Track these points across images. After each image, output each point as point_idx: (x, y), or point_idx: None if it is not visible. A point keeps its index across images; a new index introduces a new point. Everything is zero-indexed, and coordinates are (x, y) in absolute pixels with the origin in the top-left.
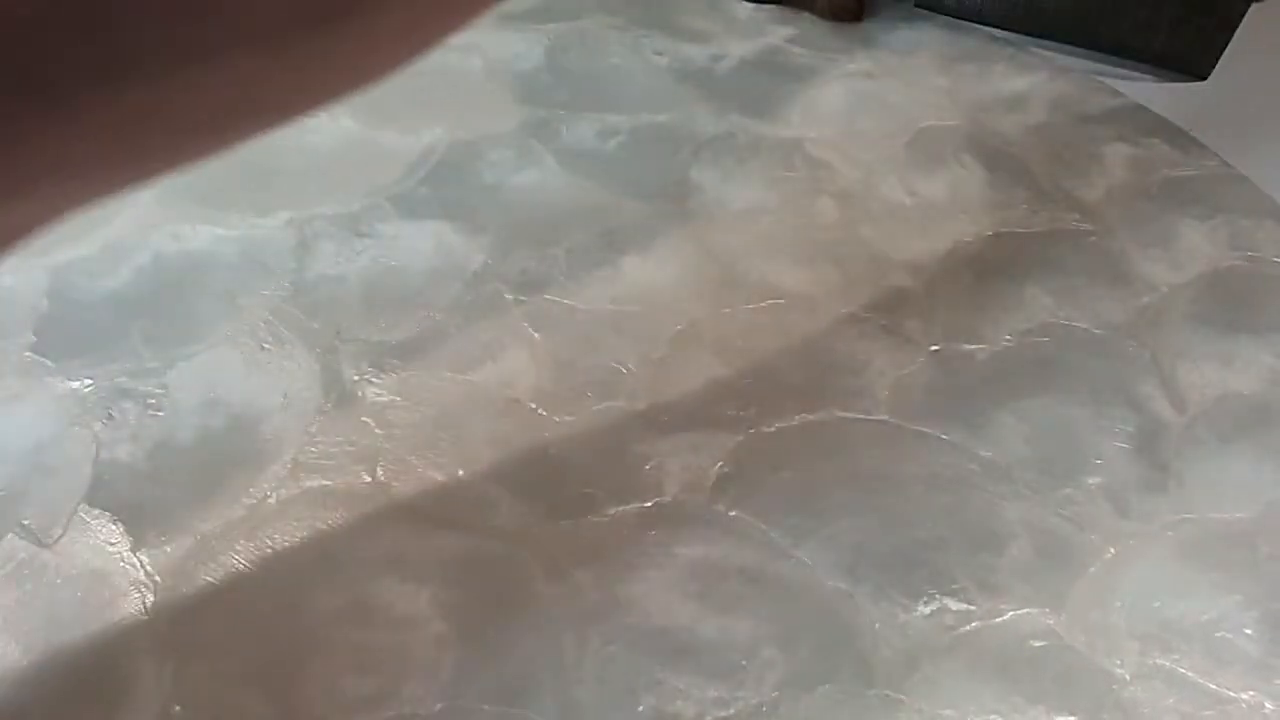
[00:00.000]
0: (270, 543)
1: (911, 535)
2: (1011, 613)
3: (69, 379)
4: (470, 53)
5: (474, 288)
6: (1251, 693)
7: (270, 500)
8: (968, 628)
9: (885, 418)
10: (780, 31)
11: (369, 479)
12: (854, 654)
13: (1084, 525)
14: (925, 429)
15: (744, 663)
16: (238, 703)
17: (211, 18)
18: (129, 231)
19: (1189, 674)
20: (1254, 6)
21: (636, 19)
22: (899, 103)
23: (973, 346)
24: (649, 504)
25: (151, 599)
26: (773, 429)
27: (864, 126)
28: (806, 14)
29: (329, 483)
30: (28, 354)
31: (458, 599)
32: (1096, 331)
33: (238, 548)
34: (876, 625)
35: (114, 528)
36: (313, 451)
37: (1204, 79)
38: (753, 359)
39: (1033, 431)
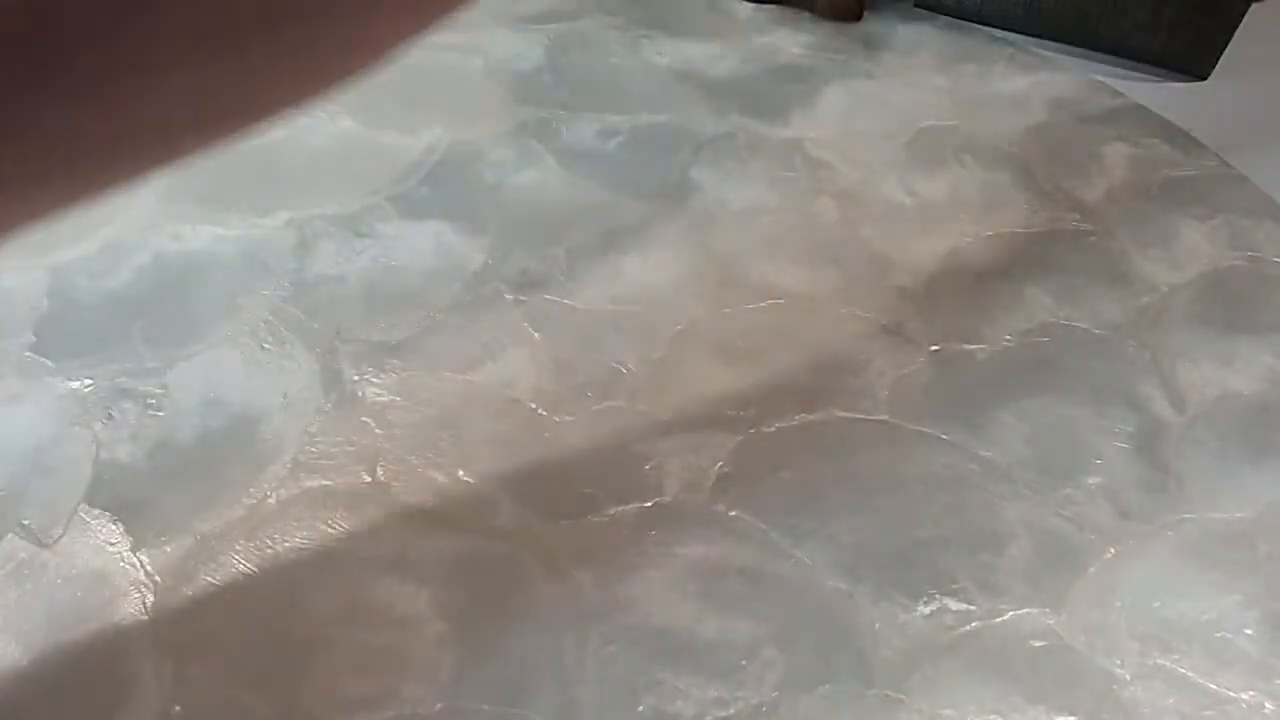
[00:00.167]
0: (270, 543)
1: (911, 535)
2: (1011, 613)
3: (69, 379)
4: (470, 53)
5: (474, 288)
6: (1251, 693)
7: (270, 500)
8: (968, 628)
9: (885, 418)
10: (780, 31)
11: (369, 479)
12: (854, 654)
13: (1084, 525)
14: (925, 429)
15: (744, 663)
16: (238, 703)
17: (153, 32)
18: (129, 231)
19: (1189, 674)
20: (1254, 6)
21: (636, 19)
22: (899, 103)
23: (973, 346)
24: (649, 504)
25: (151, 599)
26: (773, 429)
27: (864, 126)
28: (806, 14)
29: (329, 483)
30: (28, 354)
31: (458, 599)
32: (1096, 331)
33: (238, 548)
34: (876, 625)
35: (114, 528)
36: (313, 451)
37: (1204, 79)
38: (753, 359)
39: (1033, 431)
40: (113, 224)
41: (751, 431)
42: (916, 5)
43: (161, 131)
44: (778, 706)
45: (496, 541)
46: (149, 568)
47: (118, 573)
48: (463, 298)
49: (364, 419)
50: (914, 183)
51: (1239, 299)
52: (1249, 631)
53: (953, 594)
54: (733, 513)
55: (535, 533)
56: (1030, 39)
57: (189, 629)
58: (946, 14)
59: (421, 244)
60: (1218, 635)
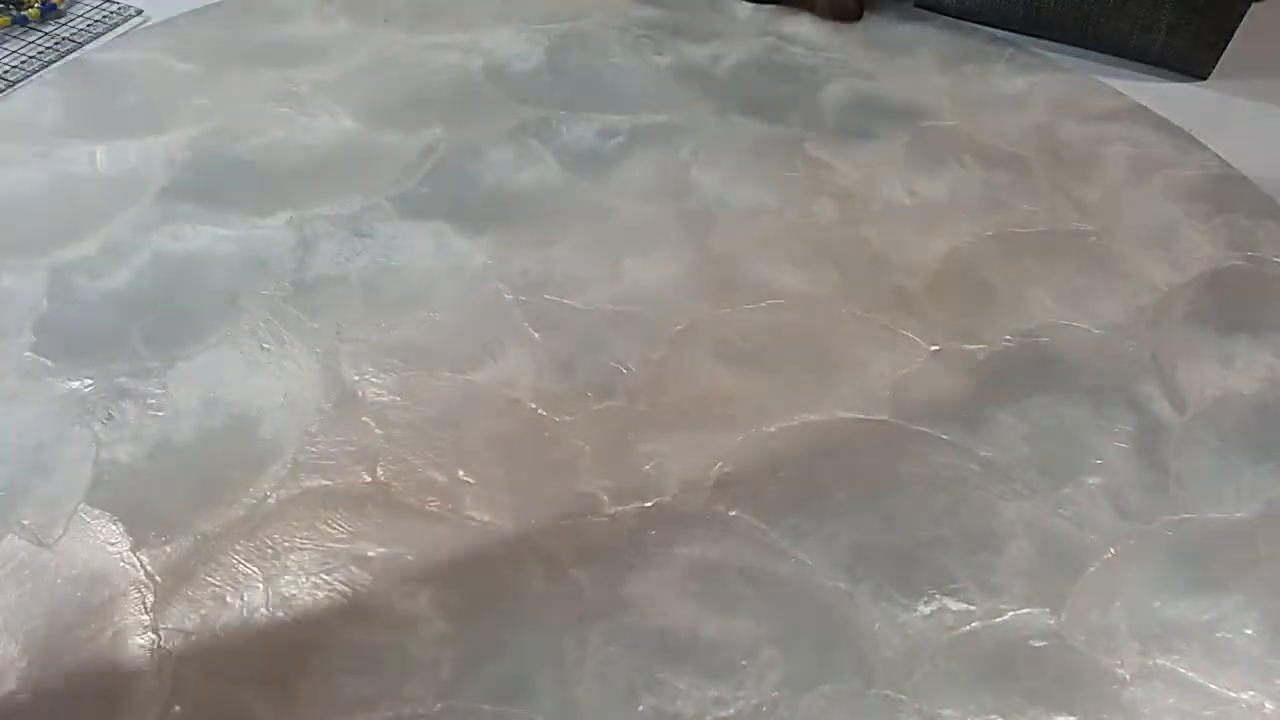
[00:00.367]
0: (270, 543)
1: (911, 535)
2: (1011, 613)
3: (69, 379)
4: (470, 53)
5: (474, 288)
6: (1251, 693)
7: (270, 500)
8: (968, 628)
9: (885, 418)
10: (780, 31)
11: (369, 479)
12: (854, 654)
13: (1084, 525)
14: (925, 429)
15: (744, 663)
16: (237, 702)
17: None
18: (129, 231)
19: (1189, 674)
20: (1254, 6)
21: (636, 19)
22: (899, 103)
23: (973, 346)
24: (649, 504)
25: (151, 599)
26: (773, 429)
27: (864, 126)
28: (806, 14)
29: (329, 483)
30: (28, 354)
31: (458, 599)
32: (1096, 331)
33: (238, 548)
34: (876, 625)
35: (114, 528)
36: (313, 451)
37: (1204, 79)
38: (753, 359)
39: (1033, 431)
40: (113, 224)
41: (751, 431)
42: (916, 5)
43: None
44: (778, 706)
45: (496, 541)
46: (149, 568)
47: (118, 573)
48: (463, 298)
49: (364, 419)
50: (914, 182)
51: (1239, 299)
52: (1249, 631)
53: (953, 594)
54: (733, 513)
55: (535, 533)
56: (1030, 39)
57: (189, 629)
58: (946, 14)
59: (421, 244)
60: (1218, 635)
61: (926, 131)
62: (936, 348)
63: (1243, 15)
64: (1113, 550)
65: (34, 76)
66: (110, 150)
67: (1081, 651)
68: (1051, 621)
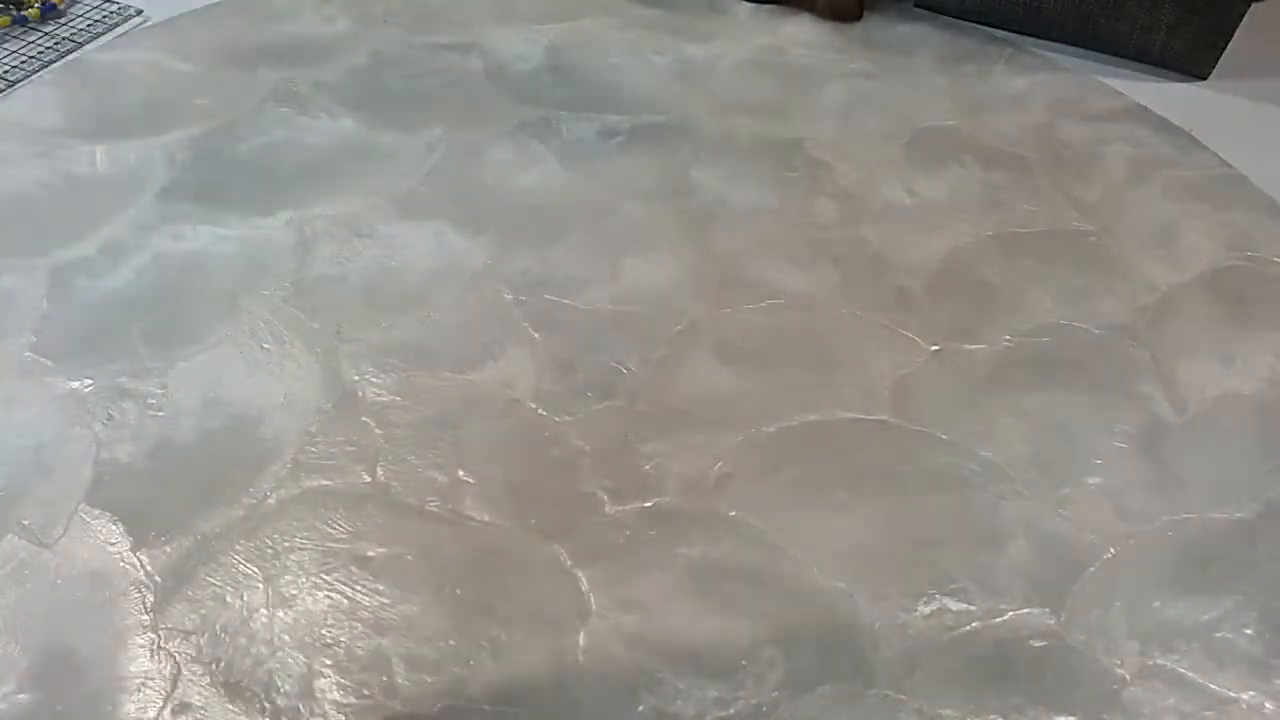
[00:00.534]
0: (270, 543)
1: (911, 535)
2: (1011, 613)
3: (69, 379)
4: (470, 53)
5: (474, 288)
6: (1251, 693)
7: (270, 500)
8: (968, 628)
9: (885, 418)
10: (780, 31)
11: (369, 479)
12: (854, 654)
13: (1084, 525)
14: (925, 429)
15: (744, 663)
16: (237, 703)
17: None
18: (129, 231)
19: (1189, 674)
20: (1254, 6)
21: (636, 19)
22: (899, 103)
23: (973, 346)
24: (649, 504)
25: (151, 599)
26: (773, 429)
27: (864, 126)
28: (806, 14)
29: (329, 483)
30: (28, 354)
31: (458, 599)
32: (1096, 331)
33: (238, 548)
34: (876, 625)
35: (114, 528)
36: (313, 451)
37: (1204, 79)
38: (753, 359)
39: (1033, 431)
40: (113, 224)
41: (751, 431)
42: (916, 5)
43: None
44: (778, 706)
45: (497, 541)
46: (149, 568)
47: (118, 573)
48: (463, 298)
49: (364, 419)
50: (914, 182)
51: (1239, 299)
52: (1249, 631)
53: (953, 594)
54: (733, 513)
55: (535, 532)
56: (1030, 39)
57: (189, 629)
58: (946, 14)
59: (422, 244)
60: (1218, 635)
61: (926, 131)
62: (936, 348)
63: (1243, 15)
64: (1113, 550)
65: (34, 76)
66: (110, 150)
67: (1081, 651)
68: (1051, 621)
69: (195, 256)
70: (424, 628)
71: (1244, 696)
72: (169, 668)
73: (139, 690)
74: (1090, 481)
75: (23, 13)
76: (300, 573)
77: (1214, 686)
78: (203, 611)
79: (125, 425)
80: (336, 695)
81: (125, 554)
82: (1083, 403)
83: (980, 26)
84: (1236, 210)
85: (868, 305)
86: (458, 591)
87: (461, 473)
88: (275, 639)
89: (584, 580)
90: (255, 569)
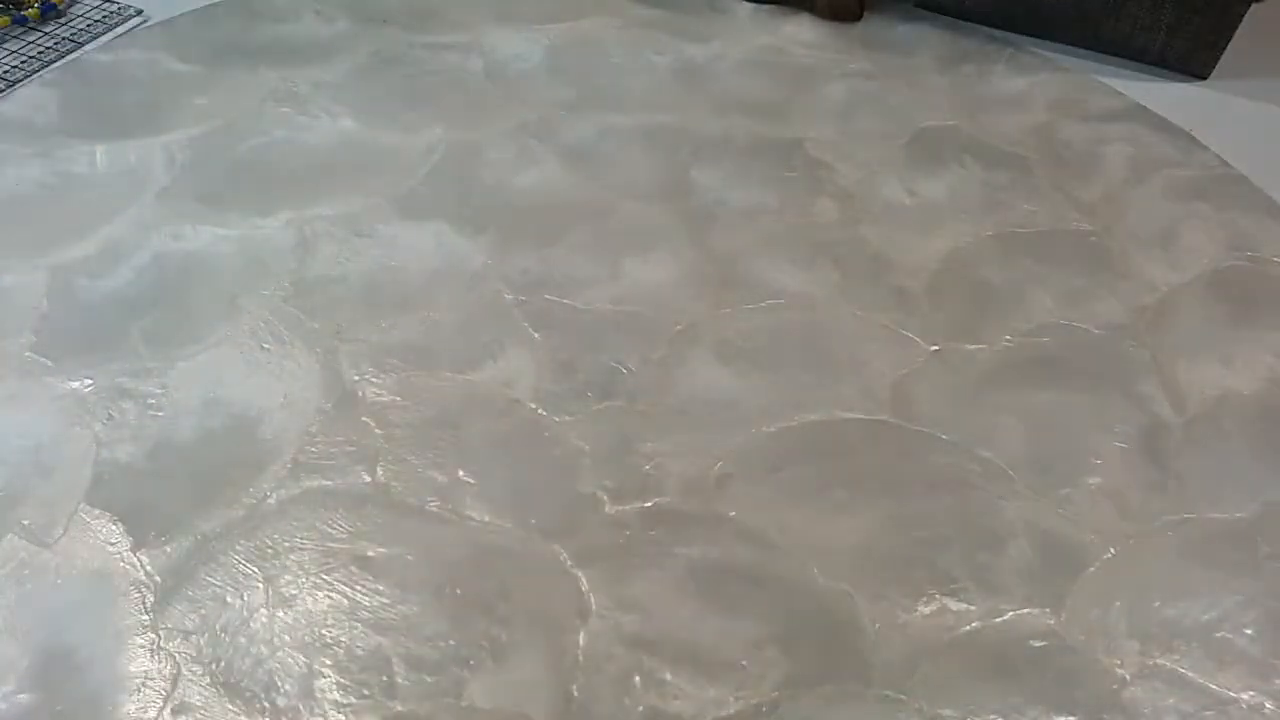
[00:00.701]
0: (270, 543)
1: (911, 535)
2: (1011, 613)
3: (69, 379)
4: (470, 53)
5: (474, 288)
6: (1251, 693)
7: (270, 500)
8: (968, 628)
9: (885, 418)
10: (780, 31)
11: (369, 479)
12: (854, 654)
13: (1084, 525)
14: (925, 429)
15: (744, 663)
16: (237, 704)
17: None
18: (129, 231)
19: (1189, 674)
20: (1254, 6)
21: (636, 19)
22: (899, 103)
23: (973, 346)
24: (649, 504)
25: (151, 599)
26: (773, 429)
27: (864, 126)
28: (806, 14)
29: (329, 483)
30: (28, 354)
31: (458, 599)
32: (1096, 331)
33: (238, 548)
34: (876, 625)
35: (114, 528)
36: (313, 451)
37: (1204, 79)
38: (753, 359)
39: (1033, 431)
40: (113, 224)
41: (751, 431)
42: (916, 5)
43: None
44: (778, 706)
45: (497, 541)
46: (149, 568)
47: (118, 573)
48: (463, 298)
49: (364, 419)
50: (914, 182)
51: (1239, 299)
52: (1249, 632)
53: (953, 594)
54: (733, 513)
55: (535, 532)
56: (1030, 39)
57: (189, 629)
58: (946, 14)
59: (422, 244)
60: (1218, 635)
61: (926, 131)
62: (936, 348)
63: (1243, 15)
64: (1113, 550)
65: (34, 76)
66: (110, 150)
67: (1081, 651)
68: (1051, 621)
69: (195, 256)
70: (424, 628)
71: (1244, 696)
72: (169, 668)
73: (139, 690)
74: (1090, 481)
75: (23, 13)
76: (300, 573)
77: (1214, 686)
78: (203, 611)
79: (125, 425)
80: (336, 695)
81: (125, 554)
82: (1083, 403)
83: (980, 26)
84: (1236, 210)
85: (868, 305)
86: (458, 591)
87: (461, 473)
88: (275, 639)
89: (584, 580)
90: (255, 569)
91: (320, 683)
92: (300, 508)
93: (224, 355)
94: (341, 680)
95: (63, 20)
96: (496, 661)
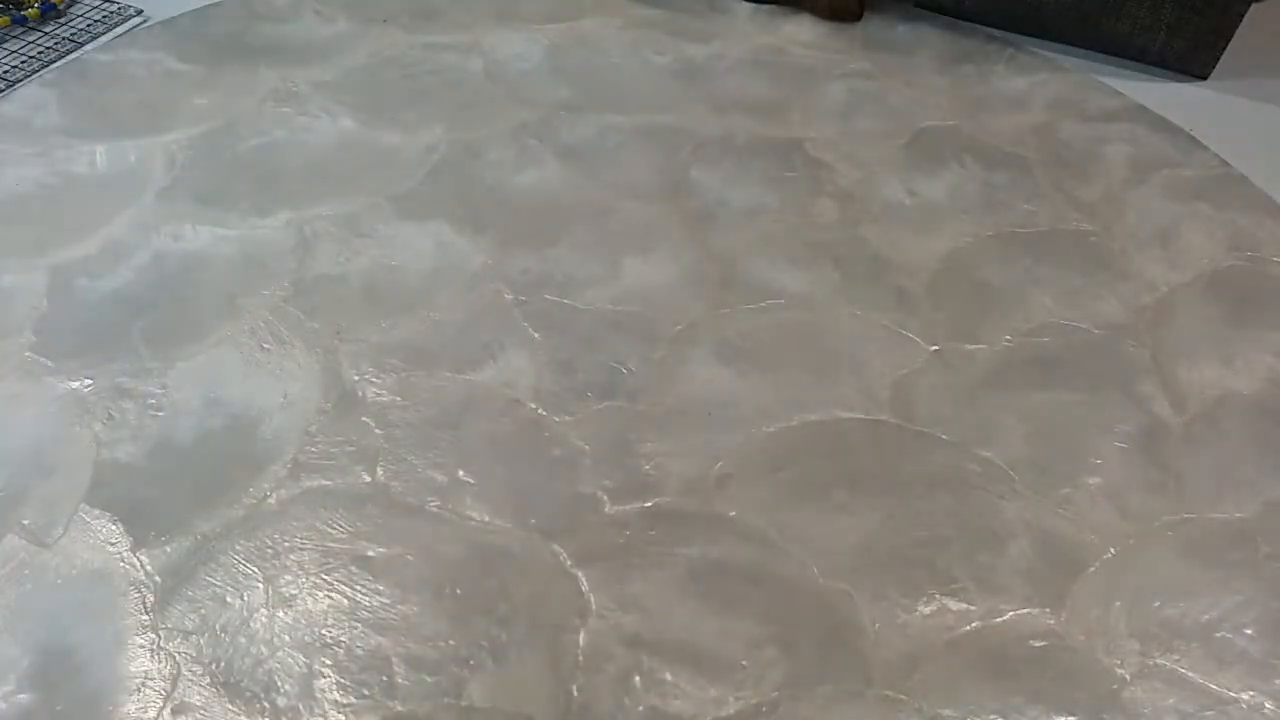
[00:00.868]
0: (270, 543)
1: (911, 535)
2: (1011, 613)
3: (69, 379)
4: (470, 53)
5: (474, 288)
6: (1251, 693)
7: (270, 500)
8: (968, 628)
9: (885, 418)
10: (780, 31)
11: (369, 479)
12: (854, 654)
13: (1084, 525)
14: (925, 429)
15: (744, 663)
16: (237, 704)
17: None
18: (129, 231)
19: (1189, 674)
20: (1254, 6)
21: (636, 19)
22: (899, 103)
23: (973, 346)
24: (649, 504)
25: (151, 599)
26: (773, 429)
27: (864, 126)
28: (806, 14)
29: (329, 483)
30: (28, 354)
31: (458, 599)
32: (1096, 331)
33: (238, 548)
34: (876, 625)
35: (114, 528)
36: (313, 451)
37: (1204, 79)
38: (753, 359)
39: (1033, 431)
40: (113, 224)
41: (751, 431)
42: (916, 5)
43: None
44: (778, 706)
45: (497, 541)
46: (149, 568)
47: (118, 573)
48: (463, 298)
49: (364, 419)
50: (914, 182)
51: (1239, 299)
52: (1249, 632)
53: (953, 594)
54: (732, 513)
55: (535, 532)
56: (1030, 39)
57: (189, 629)
58: (946, 14)
59: (422, 244)
60: (1218, 635)
61: (926, 131)
62: (936, 348)
63: (1243, 15)
64: (1113, 550)
65: (34, 76)
66: (110, 150)
67: (1081, 651)
68: (1051, 621)
69: (195, 256)
70: (424, 628)
71: (1244, 696)
72: (169, 668)
73: (139, 690)
74: (1090, 481)
75: (22, 13)
76: (300, 573)
77: (1214, 686)
78: (203, 611)
79: (125, 425)
80: (336, 695)
81: (125, 554)
82: (1083, 403)
83: (980, 26)
84: (1236, 210)
85: (868, 305)
86: (458, 591)
87: (461, 473)
88: (275, 639)
89: (584, 580)
90: (255, 569)
91: (320, 683)
92: (300, 508)
93: (224, 355)
94: (341, 680)
95: (63, 20)
96: (496, 661)
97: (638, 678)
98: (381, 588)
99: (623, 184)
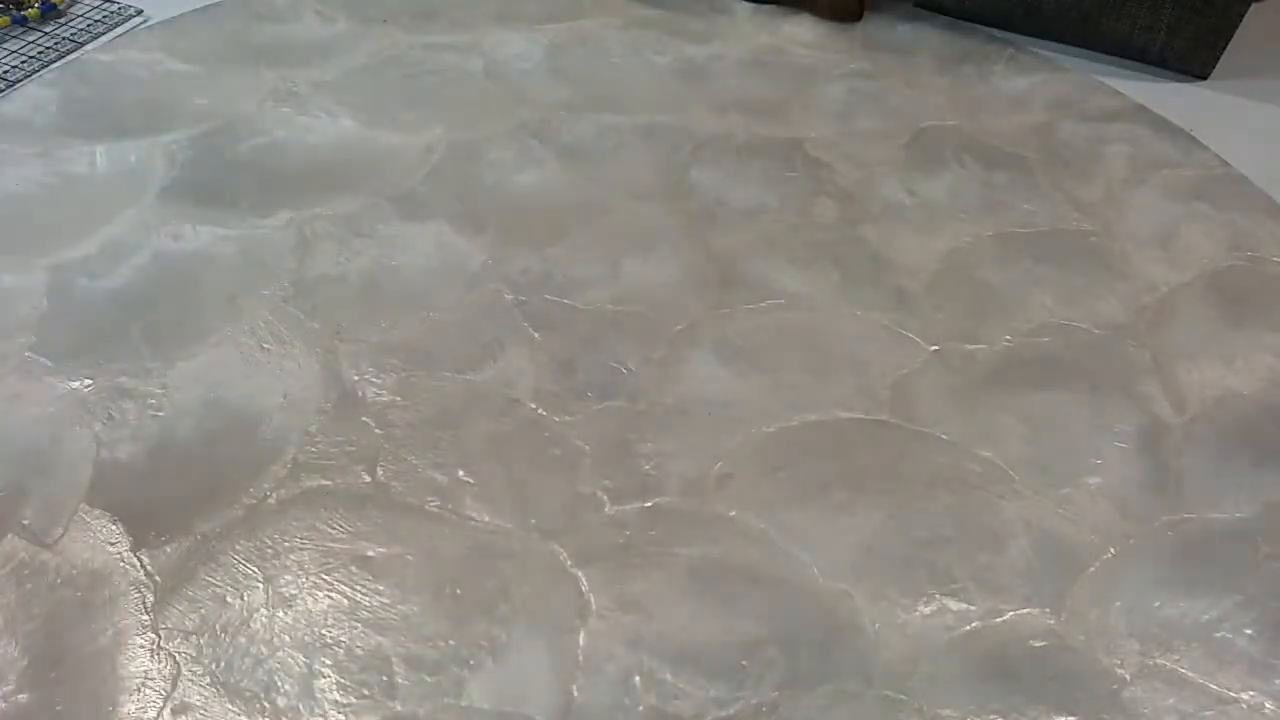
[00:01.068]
0: (270, 543)
1: (911, 535)
2: (1011, 613)
3: (69, 379)
4: (470, 53)
5: (474, 288)
6: (1251, 693)
7: (270, 500)
8: (968, 628)
9: (885, 418)
10: (780, 31)
11: (369, 479)
12: (854, 654)
13: (1084, 525)
14: (925, 429)
15: (744, 663)
16: (237, 704)
17: None
18: (129, 231)
19: (1189, 674)
20: (1254, 6)
21: (636, 19)
22: (899, 103)
23: (973, 346)
24: (649, 504)
25: (151, 599)
26: (773, 429)
27: (864, 126)
28: (806, 14)
29: (329, 483)
30: (28, 354)
31: (458, 599)
32: (1096, 331)
33: (238, 548)
34: (876, 625)
35: (114, 528)
36: (313, 451)
37: (1204, 79)
38: (753, 359)
39: (1033, 431)
40: (113, 224)
41: (751, 431)
42: (916, 5)
43: None
44: (778, 706)
45: (497, 541)
46: (149, 568)
47: (118, 573)
48: (463, 298)
49: (364, 419)
50: (914, 182)
51: (1239, 299)
52: (1249, 632)
53: (953, 594)
54: (732, 513)
55: (535, 532)
56: (1030, 39)
57: (189, 629)
58: (946, 14)
59: (422, 244)
60: (1218, 635)
61: (926, 131)
62: (936, 348)
63: (1243, 15)
64: (1113, 550)
65: (34, 76)
66: (110, 150)
67: (1081, 651)
68: (1051, 621)
69: (195, 256)
70: (424, 628)
71: (1244, 696)
72: (169, 668)
73: (139, 690)
74: (1090, 481)
75: (23, 13)
76: (300, 573)
77: (1214, 686)
78: (203, 611)
79: (125, 425)
80: (336, 695)
81: (125, 554)
82: (1083, 403)
83: (980, 26)
84: (1236, 210)
85: (868, 305)
86: (458, 591)
87: (461, 473)
88: (275, 639)
89: (584, 580)
90: (255, 569)
91: (320, 683)
92: (300, 508)
93: (224, 355)
94: (341, 680)
95: (63, 20)
96: (496, 661)
97: (638, 678)
98: (381, 588)
99: (623, 184)
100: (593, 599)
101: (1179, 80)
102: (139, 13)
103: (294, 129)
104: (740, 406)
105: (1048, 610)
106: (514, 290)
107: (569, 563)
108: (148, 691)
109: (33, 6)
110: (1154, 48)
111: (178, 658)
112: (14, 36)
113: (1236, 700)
